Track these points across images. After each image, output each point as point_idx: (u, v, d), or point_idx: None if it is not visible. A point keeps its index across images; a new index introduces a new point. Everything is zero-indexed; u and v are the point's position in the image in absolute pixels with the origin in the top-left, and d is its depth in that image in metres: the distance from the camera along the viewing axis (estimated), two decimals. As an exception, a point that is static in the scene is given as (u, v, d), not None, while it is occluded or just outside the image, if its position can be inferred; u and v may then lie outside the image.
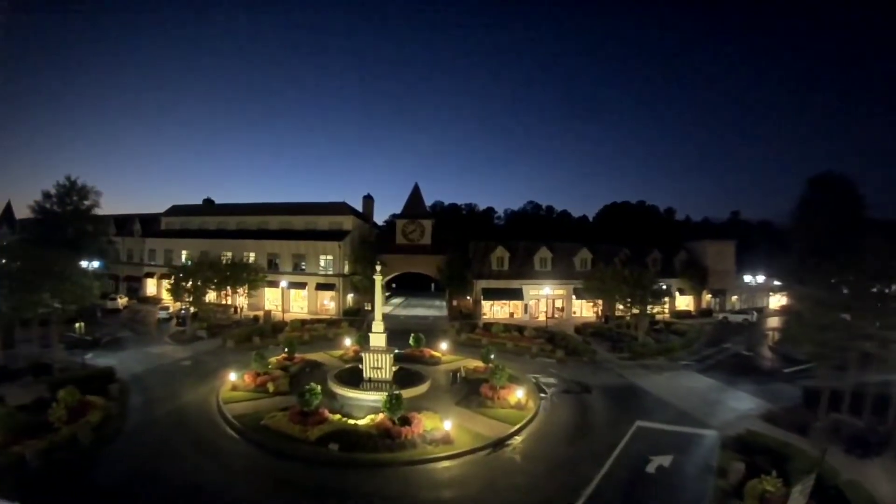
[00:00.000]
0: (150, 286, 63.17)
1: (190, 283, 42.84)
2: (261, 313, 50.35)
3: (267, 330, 41.51)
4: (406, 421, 19.45)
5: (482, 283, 54.03)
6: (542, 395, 25.91)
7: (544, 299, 55.55)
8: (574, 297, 55.71)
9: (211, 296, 53.07)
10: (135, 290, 64.01)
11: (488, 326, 43.44)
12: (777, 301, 65.02)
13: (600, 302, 55.22)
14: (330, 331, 42.16)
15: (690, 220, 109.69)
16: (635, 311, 42.20)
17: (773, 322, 52.85)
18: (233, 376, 26.26)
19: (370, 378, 25.98)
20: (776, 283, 61.36)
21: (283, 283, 50.85)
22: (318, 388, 20.96)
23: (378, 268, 29.35)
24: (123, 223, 69.33)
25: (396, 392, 20.96)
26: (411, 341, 32.67)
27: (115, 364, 28.38)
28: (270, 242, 56.65)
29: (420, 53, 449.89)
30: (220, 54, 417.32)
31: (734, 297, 66.23)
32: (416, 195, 61.09)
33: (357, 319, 47.06)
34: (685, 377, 31.51)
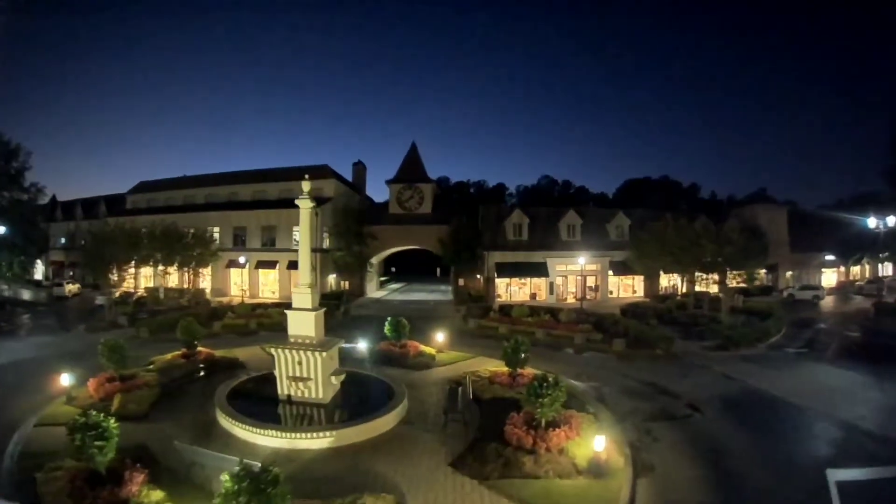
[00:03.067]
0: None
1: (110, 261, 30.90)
2: (226, 300, 38.42)
3: (201, 316, 28.95)
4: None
5: (496, 257, 40.77)
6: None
7: (574, 276, 42.27)
8: (611, 272, 42.38)
9: (172, 279, 42.27)
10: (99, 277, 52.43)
11: (506, 309, 30.26)
12: (828, 279, 52.11)
13: (641, 278, 42.80)
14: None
15: (716, 196, 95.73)
16: (715, 284, 29.25)
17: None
18: (66, 380, 14.53)
19: (289, 397, 13.21)
20: (828, 258, 50.91)
21: (242, 259, 38.17)
22: (112, 427, 8.59)
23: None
24: (90, 206, 58.13)
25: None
26: (387, 328, 19.76)
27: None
28: (236, 214, 44.00)
29: (428, 20, 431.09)
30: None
31: (788, 273, 52.39)
32: (413, 156, 48.03)
33: (334, 304, 34.14)
34: (813, 371, 19.78)
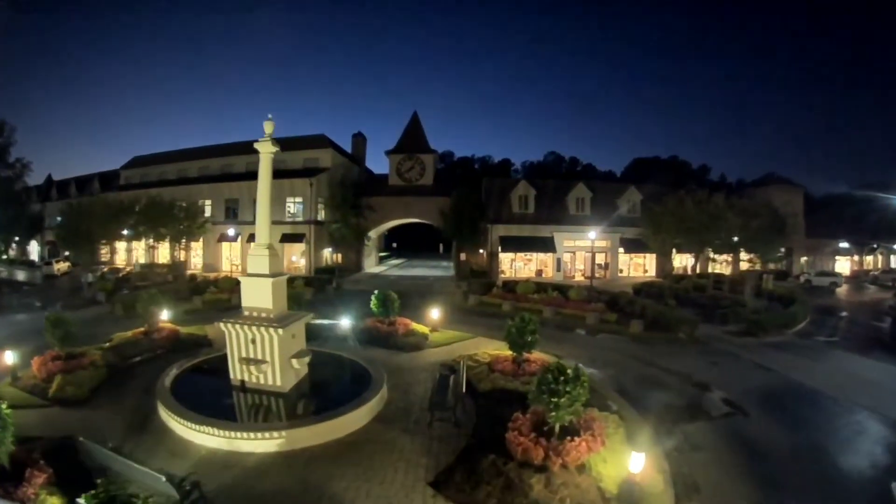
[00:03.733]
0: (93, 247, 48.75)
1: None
2: (215, 275, 36.05)
3: (182, 290, 26.60)
4: None
5: (500, 230, 37.98)
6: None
7: (582, 252, 39.52)
8: (621, 249, 39.55)
9: (163, 253, 40.10)
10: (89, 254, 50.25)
11: (511, 286, 27.60)
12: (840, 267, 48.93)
13: (654, 256, 40.04)
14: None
15: (725, 179, 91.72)
16: (728, 265, 26.42)
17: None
18: (10, 358, 12.29)
19: (243, 383, 10.72)
20: (842, 246, 47.54)
21: (231, 232, 35.62)
22: (6, 415, 6.91)
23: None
24: (85, 184, 55.89)
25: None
26: (373, 303, 17.04)
27: None
28: (227, 185, 41.23)
29: None
30: None
31: (803, 259, 49.34)
32: (414, 126, 44.87)
33: (326, 278, 31.59)
34: (847, 362, 17.18)
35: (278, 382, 10.42)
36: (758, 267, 33.56)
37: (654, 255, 40.55)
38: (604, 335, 19.27)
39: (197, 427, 8.79)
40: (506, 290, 26.52)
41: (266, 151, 11.73)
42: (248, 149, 44.42)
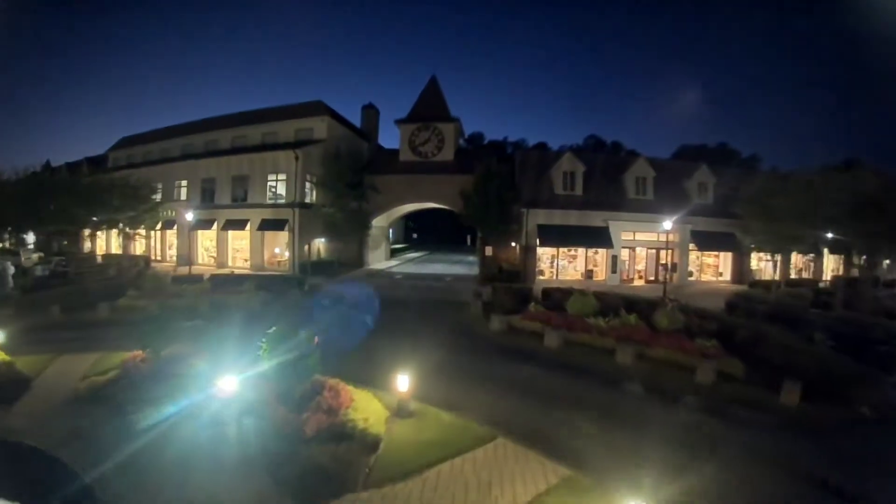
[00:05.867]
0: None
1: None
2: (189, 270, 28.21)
3: (87, 292, 18.39)
4: None
5: (538, 216, 28.27)
6: None
7: (643, 249, 29.53)
8: (692, 245, 29.30)
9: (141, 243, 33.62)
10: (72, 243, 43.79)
11: (557, 297, 17.82)
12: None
13: (730, 257, 29.66)
14: (232, 295, 18.17)
15: (777, 170, 78.14)
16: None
17: None
18: None
19: None
20: None
21: (189, 216, 27.30)
22: None
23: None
24: (75, 169, 49.65)
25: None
26: (262, 350, 7.37)
27: None
28: (204, 162, 33.08)
29: None
30: None
31: (885, 261, 37.24)
32: (431, 90, 35.61)
33: (297, 280, 22.65)
34: None
35: None
36: (856, 272, 23.40)
37: (728, 255, 30.34)
38: (734, 409, 9.31)
39: None
40: (548, 304, 16.83)
41: None
42: (232, 122, 36.51)
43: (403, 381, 7.06)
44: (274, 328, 7.48)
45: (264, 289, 18.50)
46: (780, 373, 10.43)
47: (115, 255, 32.69)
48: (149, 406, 7.54)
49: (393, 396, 7.74)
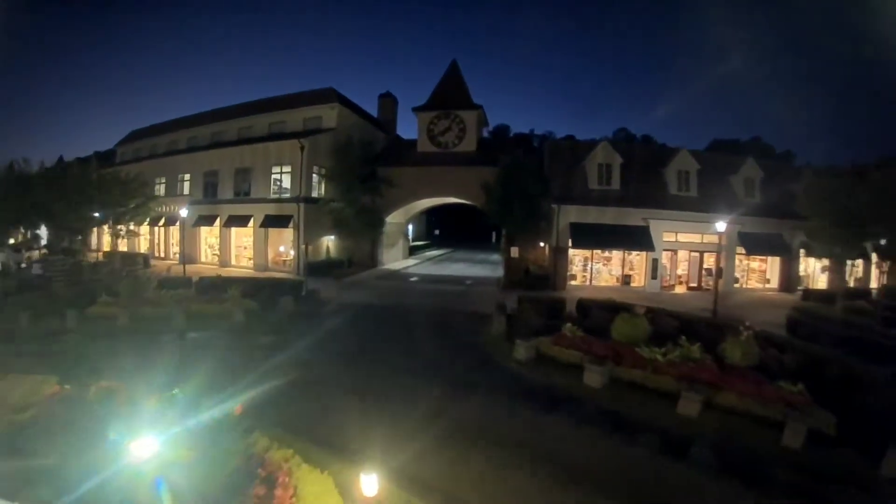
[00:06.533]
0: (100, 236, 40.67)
1: None
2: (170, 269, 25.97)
3: (61, 296, 16.03)
4: None
5: (570, 214, 24.89)
6: None
7: (687, 251, 25.85)
8: (740, 249, 25.43)
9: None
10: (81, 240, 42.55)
11: (598, 316, 14.56)
12: None
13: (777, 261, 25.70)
14: (213, 304, 15.48)
15: (811, 166, 72.23)
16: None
17: None
18: None
19: None
20: None
21: (183, 212, 24.93)
22: None
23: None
24: (85, 163, 48.71)
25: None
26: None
27: None
28: (207, 155, 30.82)
29: None
30: None
31: None
32: (452, 75, 32.52)
33: (292, 284, 19.85)
34: None
35: None
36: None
37: (776, 259, 26.39)
38: (834, 491, 6.07)
39: None
40: (586, 324, 13.42)
41: None
42: (239, 112, 33.97)
43: (370, 483, 4.09)
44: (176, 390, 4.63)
45: (250, 297, 15.73)
46: (874, 427, 7.50)
47: (118, 252, 30.65)
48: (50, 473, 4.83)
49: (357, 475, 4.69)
